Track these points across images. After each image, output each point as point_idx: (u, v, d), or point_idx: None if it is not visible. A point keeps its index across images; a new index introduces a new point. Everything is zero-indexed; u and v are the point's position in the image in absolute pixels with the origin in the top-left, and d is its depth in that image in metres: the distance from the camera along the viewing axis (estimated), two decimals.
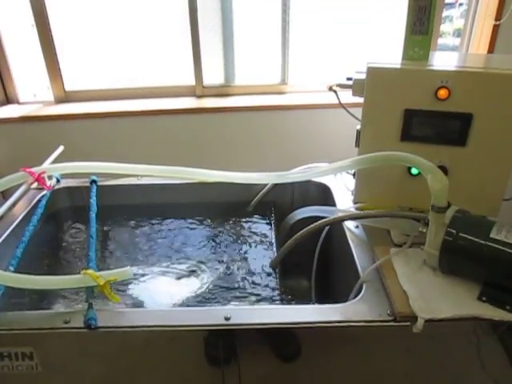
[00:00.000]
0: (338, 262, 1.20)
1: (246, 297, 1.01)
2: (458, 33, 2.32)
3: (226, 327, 0.80)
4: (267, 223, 1.29)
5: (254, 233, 1.26)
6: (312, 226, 1.02)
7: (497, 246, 0.80)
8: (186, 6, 2.13)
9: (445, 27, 2.32)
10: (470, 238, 0.82)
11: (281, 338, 0.85)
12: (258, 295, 1.02)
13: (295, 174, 1.13)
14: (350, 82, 1.07)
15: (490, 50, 2.12)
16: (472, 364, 0.88)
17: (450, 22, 2.42)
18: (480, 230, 0.83)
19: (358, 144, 1.09)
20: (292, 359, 0.87)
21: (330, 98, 1.25)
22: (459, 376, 0.91)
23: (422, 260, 0.92)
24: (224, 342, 0.83)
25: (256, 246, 1.20)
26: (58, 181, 1.33)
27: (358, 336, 0.84)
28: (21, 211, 1.19)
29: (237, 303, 1.00)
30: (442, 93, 0.96)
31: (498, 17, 2.05)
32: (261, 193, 1.32)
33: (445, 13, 2.19)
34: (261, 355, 0.86)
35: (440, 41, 2.23)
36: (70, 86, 2.32)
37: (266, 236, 1.24)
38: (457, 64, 1.07)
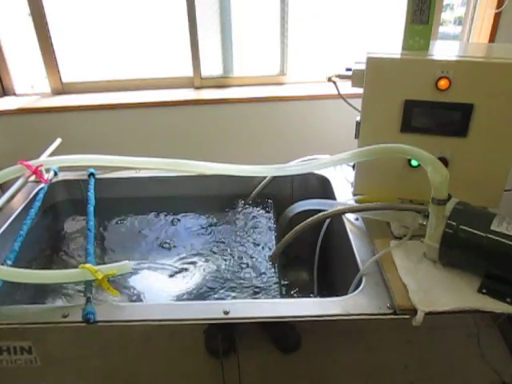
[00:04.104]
0: (337, 255, 1.19)
1: (245, 290, 1.01)
2: (459, 21, 2.29)
3: (225, 321, 0.80)
4: (266, 216, 1.28)
5: (254, 225, 1.25)
6: (311, 218, 1.02)
7: (497, 238, 0.79)
8: None
9: (445, 15, 2.29)
10: (471, 230, 0.82)
11: (280, 330, 0.85)
12: (257, 288, 1.02)
13: (294, 167, 1.12)
14: (350, 73, 1.05)
15: (492, 38, 2.10)
16: (472, 355, 0.88)
17: (451, 9, 2.39)
18: (481, 223, 0.82)
19: (357, 135, 1.08)
20: (291, 351, 0.87)
21: (330, 89, 1.23)
22: (459, 367, 0.91)
23: (422, 252, 0.91)
24: (223, 335, 0.83)
25: (255, 239, 1.19)
26: (55, 174, 1.32)
27: (358, 329, 0.83)
28: (18, 204, 1.18)
29: (236, 297, 1.00)
30: (443, 83, 0.95)
31: (499, 5, 2.02)
32: (260, 185, 1.31)
33: (445, 0, 2.16)
34: (260, 347, 0.86)
35: (440, 29, 2.20)
36: (67, 77, 2.30)
37: (265, 228, 1.23)
38: (457, 54, 1.05)
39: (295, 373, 0.90)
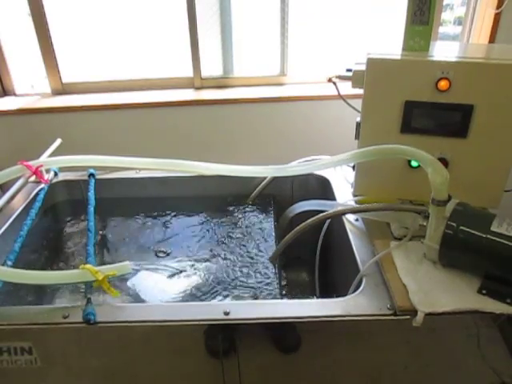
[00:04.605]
0: (337, 255, 1.19)
1: (245, 291, 1.01)
2: (459, 21, 2.29)
3: (225, 322, 0.80)
4: (267, 216, 1.29)
5: (254, 226, 1.25)
6: (312, 219, 1.02)
7: (497, 239, 0.79)
8: None
9: (445, 15, 2.29)
10: (471, 231, 0.82)
11: (280, 330, 0.85)
12: (257, 289, 1.02)
13: (295, 167, 1.12)
14: (350, 74, 1.05)
15: (492, 38, 2.10)
16: (472, 355, 0.88)
17: (451, 10, 2.39)
18: (481, 223, 0.82)
19: (357, 136, 1.08)
20: (292, 351, 0.87)
21: (330, 90, 1.23)
22: (459, 368, 0.91)
23: (422, 253, 0.91)
24: (223, 336, 0.83)
25: (255, 240, 1.19)
26: (55, 174, 1.32)
27: (358, 330, 0.83)
28: (19, 205, 1.19)
29: (236, 297, 0.99)
30: (443, 84, 0.95)
31: (500, 5, 2.02)
32: (260, 186, 1.31)
33: (445, 0, 2.16)
34: (260, 348, 0.86)
35: (440, 29, 2.20)
36: (67, 77, 2.30)
37: (265, 229, 1.23)
38: (457, 54, 1.05)
39: (295, 373, 0.90)
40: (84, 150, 1.26)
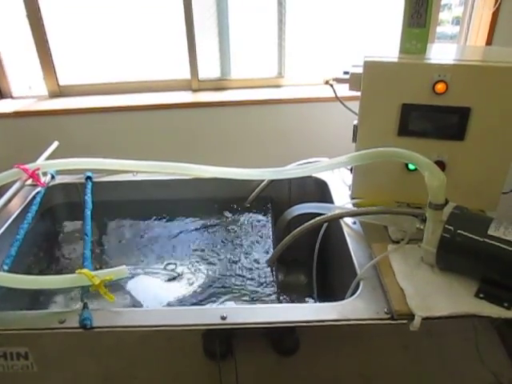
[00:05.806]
0: (335, 259, 1.19)
1: (242, 294, 1.01)
2: (457, 21, 2.29)
3: (222, 327, 0.80)
4: (264, 219, 1.28)
5: (251, 229, 1.25)
6: (309, 222, 1.01)
7: (494, 242, 0.79)
8: None
9: (443, 15, 2.28)
10: (468, 234, 0.82)
11: (278, 334, 0.85)
12: (254, 292, 1.01)
13: (292, 170, 1.12)
14: (347, 76, 1.05)
15: (490, 38, 2.09)
16: (470, 359, 0.88)
17: (449, 9, 2.38)
18: (478, 227, 0.82)
19: (355, 139, 1.08)
20: (289, 353, 0.86)
21: (328, 92, 1.23)
22: (457, 371, 0.91)
23: (419, 257, 0.91)
24: (220, 340, 0.83)
25: (253, 242, 1.19)
26: (52, 177, 1.32)
27: (356, 334, 0.83)
28: (15, 208, 1.18)
29: (233, 300, 0.99)
30: (440, 87, 0.95)
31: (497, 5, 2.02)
32: (258, 188, 1.31)
33: (443, 0, 2.16)
34: (257, 351, 0.85)
35: (438, 29, 2.20)
36: (64, 80, 2.29)
37: (263, 232, 1.23)
38: (454, 57, 1.05)
39: (292, 376, 0.90)
40: (81, 153, 1.26)
